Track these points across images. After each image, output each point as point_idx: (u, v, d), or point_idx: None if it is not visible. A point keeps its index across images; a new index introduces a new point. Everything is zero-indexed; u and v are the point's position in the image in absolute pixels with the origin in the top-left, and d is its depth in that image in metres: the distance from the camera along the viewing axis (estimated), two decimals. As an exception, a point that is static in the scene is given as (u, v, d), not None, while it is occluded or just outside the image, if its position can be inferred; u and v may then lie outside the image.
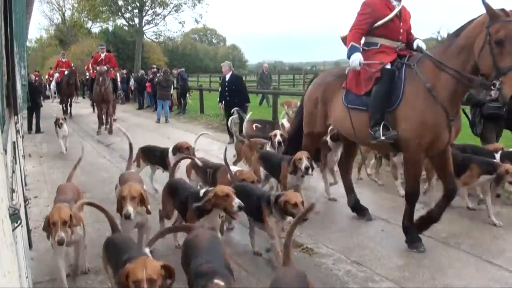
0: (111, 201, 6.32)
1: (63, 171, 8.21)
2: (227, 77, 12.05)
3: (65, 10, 54.64)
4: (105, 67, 14.12)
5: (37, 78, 31.89)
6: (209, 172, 5.53)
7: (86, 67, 19.39)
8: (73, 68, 20.08)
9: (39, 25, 59.93)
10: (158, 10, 52.21)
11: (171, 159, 6.43)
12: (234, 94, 11.72)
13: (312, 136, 5.81)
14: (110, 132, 13.86)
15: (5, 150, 1.77)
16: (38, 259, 4.39)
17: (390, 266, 4.26)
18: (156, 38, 54.02)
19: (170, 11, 52.12)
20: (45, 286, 3.91)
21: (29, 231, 4.50)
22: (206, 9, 59.73)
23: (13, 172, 2.15)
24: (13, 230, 1.73)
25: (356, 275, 4.11)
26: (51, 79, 30.85)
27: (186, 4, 51.87)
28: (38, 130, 14.16)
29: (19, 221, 1.77)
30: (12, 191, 1.85)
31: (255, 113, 9.90)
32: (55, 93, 30.14)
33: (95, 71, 14.74)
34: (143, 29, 52.05)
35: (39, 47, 57.61)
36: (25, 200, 4.45)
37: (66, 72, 19.71)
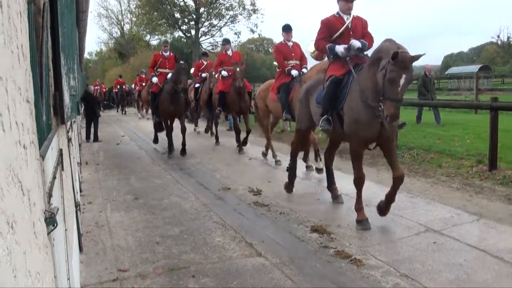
0: (162, 207, 6.46)
1: (118, 178, 8.48)
2: None
3: (124, 24, 56.96)
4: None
5: (118, 86, 32.18)
6: None
7: (194, 72, 16.39)
8: (183, 64, 11.16)
9: (98, 39, 62.74)
10: (214, 21, 53.34)
11: None
12: None
13: None
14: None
15: (42, 157, 1.84)
16: (87, 263, 4.51)
17: (440, 280, 4.07)
18: (213, 49, 55.10)
19: (226, 22, 53.11)
20: (93, 288, 4.03)
21: (80, 235, 4.65)
22: (261, 18, 60.13)
23: (54, 177, 2.23)
24: (49, 233, 1.79)
25: (405, 288, 3.96)
26: (142, 83, 24.30)
27: (241, 15, 52.70)
28: (96, 139, 14.74)
29: (55, 224, 1.83)
30: (50, 195, 1.92)
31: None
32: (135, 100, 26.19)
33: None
34: (200, 40, 53.23)
35: (99, 60, 60.27)
36: (77, 205, 4.61)
37: (169, 75, 11.31)
